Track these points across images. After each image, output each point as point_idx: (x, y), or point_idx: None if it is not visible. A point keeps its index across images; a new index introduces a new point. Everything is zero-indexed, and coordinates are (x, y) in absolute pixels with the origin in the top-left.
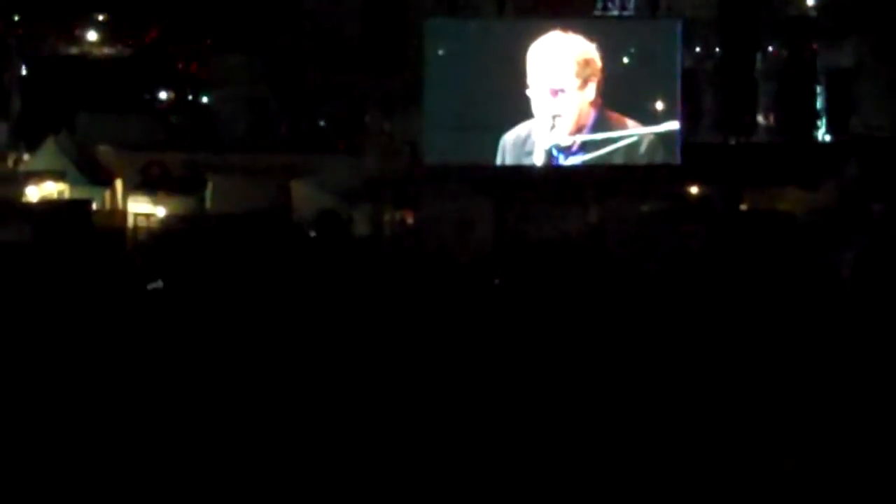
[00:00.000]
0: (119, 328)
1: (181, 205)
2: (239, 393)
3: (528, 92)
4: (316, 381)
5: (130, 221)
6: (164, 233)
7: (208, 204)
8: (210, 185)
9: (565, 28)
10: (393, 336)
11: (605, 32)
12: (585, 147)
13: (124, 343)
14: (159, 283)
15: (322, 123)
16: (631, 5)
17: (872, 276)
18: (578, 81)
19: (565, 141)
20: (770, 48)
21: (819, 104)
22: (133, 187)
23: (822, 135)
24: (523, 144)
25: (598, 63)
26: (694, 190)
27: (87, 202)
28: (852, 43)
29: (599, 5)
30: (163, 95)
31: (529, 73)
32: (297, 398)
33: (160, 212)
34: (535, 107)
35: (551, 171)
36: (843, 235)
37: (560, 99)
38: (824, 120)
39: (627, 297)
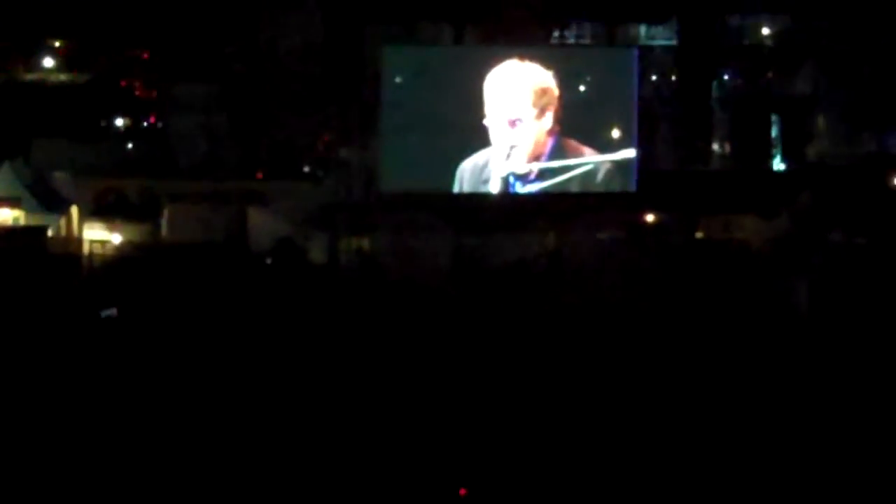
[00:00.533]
0: (72, 355)
1: (137, 231)
2: (194, 421)
3: (485, 121)
4: (272, 408)
5: (86, 248)
6: (119, 259)
7: (164, 231)
8: (166, 212)
9: (522, 56)
10: (348, 364)
11: (563, 61)
12: (542, 175)
13: (77, 370)
14: (113, 311)
15: (279, 151)
16: (588, 34)
17: (828, 303)
18: (535, 110)
19: (522, 169)
20: (726, 77)
21: (774, 132)
22: (89, 214)
23: (778, 163)
24: (481, 172)
25: (556, 91)
26: (650, 218)
27: (43, 229)
28: (807, 72)
29: (557, 34)
30: (120, 122)
31: (487, 102)
32: (254, 426)
33: (116, 238)
34: (493, 135)
35: (508, 199)
36: (798, 264)
37: (517, 128)
38: (779, 148)
39: (583, 323)
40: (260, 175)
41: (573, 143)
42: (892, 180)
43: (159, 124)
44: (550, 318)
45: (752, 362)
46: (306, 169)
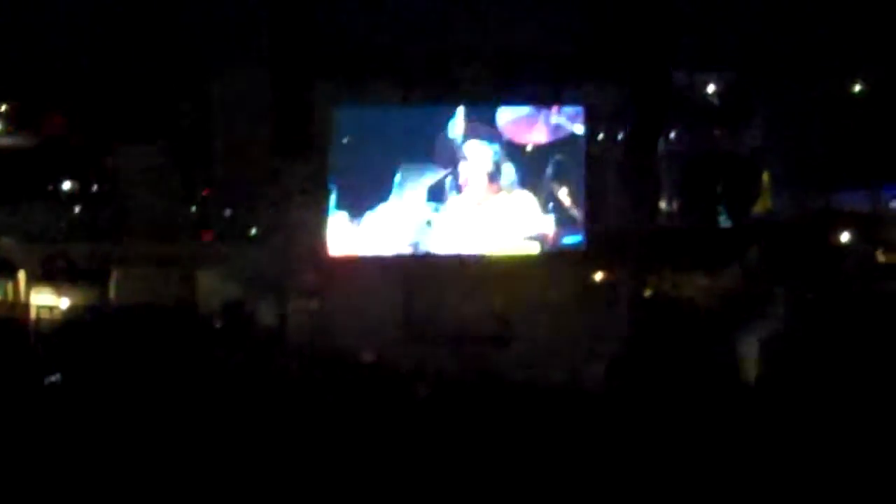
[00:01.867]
0: (15, 422)
1: (85, 296)
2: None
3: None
4: (220, 476)
5: (33, 313)
6: (66, 324)
7: (112, 294)
8: (114, 276)
9: (470, 116)
10: (298, 432)
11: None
12: None
13: (20, 438)
14: (57, 377)
15: (229, 212)
16: (535, 92)
17: (778, 360)
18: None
19: None
20: (672, 134)
21: (720, 189)
22: (36, 279)
23: (725, 220)
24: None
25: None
26: (599, 276)
27: None
28: (754, 129)
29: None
30: (66, 186)
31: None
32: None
33: (63, 303)
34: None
35: (458, 261)
36: (747, 320)
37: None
38: (727, 205)
39: (532, 386)
40: (209, 237)
41: None
42: (840, 236)
43: (107, 187)
44: (500, 378)
45: (706, 421)
46: (255, 231)
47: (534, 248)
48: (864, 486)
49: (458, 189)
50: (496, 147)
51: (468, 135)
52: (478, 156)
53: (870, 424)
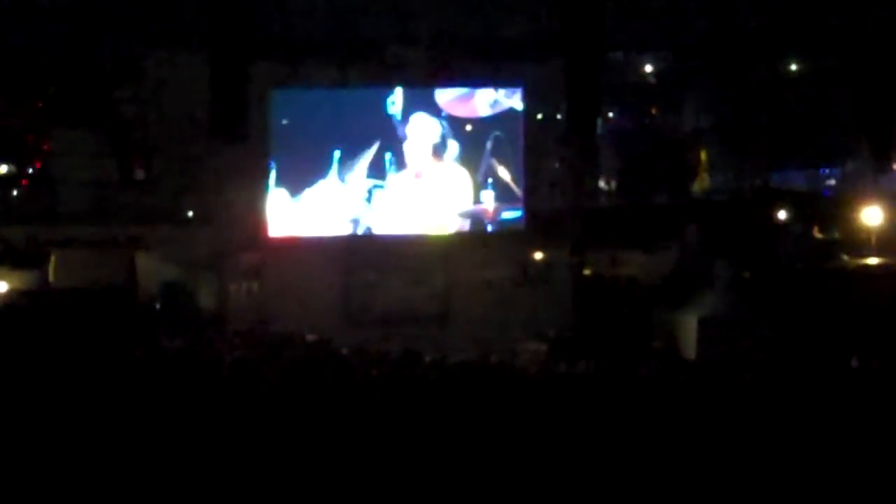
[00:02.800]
0: None
1: (23, 279)
2: (78, 476)
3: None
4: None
5: None
6: (4, 308)
7: (51, 278)
8: (53, 259)
9: (409, 94)
10: (236, 412)
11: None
12: None
13: None
14: None
15: (168, 194)
16: (473, 72)
17: (716, 337)
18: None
19: None
20: (610, 114)
21: (659, 168)
22: None
23: (663, 198)
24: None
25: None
26: (538, 255)
27: None
28: (691, 108)
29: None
30: (3, 169)
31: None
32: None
33: (2, 287)
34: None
35: (398, 240)
36: (685, 297)
37: None
38: (665, 184)
39: (472, 364)
40: (148, 220)
41: None
42: (776, 214)
43: (44, 170)
44: (441, 357)
45: (645, 397)
46: (193, 213)
47: (473, 225)
48: (801, 458)
49: (399, 166)
50: (436, 123)
51: (407, 112)
52: (417, 132)
53: (805, 398)
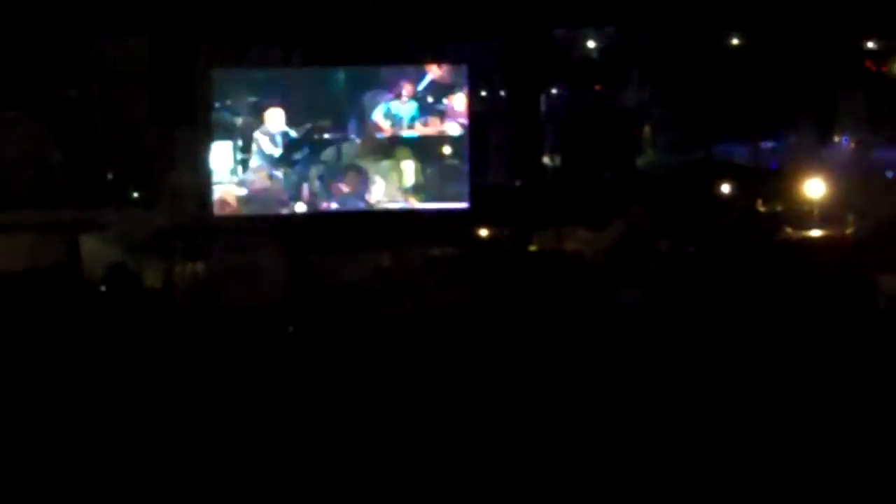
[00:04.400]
0: None
1: None
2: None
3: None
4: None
5: None
6: None
7: None
8: None
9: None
10: (183, 388)
11: (405, 79)
12: None
13: None
14: None
15: (110, 176)
16: (416, 51)
17: (659, 313)
18: None
19: None
20: (554, 90)
21: (603, 144)
22: None
23: (607, 174)
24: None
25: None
26: (484, 232)
27: None
28: (634, 84)
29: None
30: None
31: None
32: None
33: None
34: None
35: (343, 218)
36: (629, 273)
37: None
38: (609, 159)
39: (421, 340)
40: (91, 203)
41: None
42: (720, 188)
43: None
44: (387, 334)
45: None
46: (137, 195)
47: (420, 203)
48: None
49: (344, 143)
50: (381, 101)
51: (352, 90)
52: (364, 110)
53: (752, 374)
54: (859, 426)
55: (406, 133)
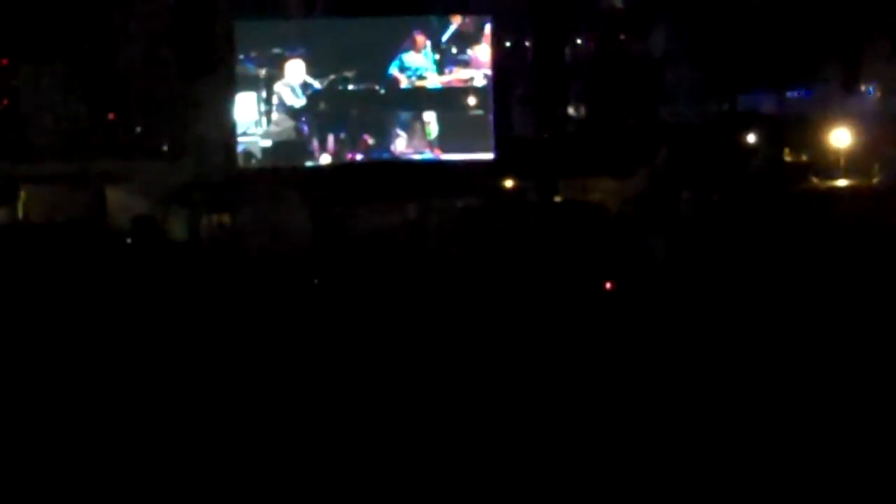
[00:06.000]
0: None
1: None
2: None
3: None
4: (137, 387)
5: None
6: None
7: (21, 213)
8: (23, 195)
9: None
10: (211, 337)
11: (419, 30)
12: None
13: None
14: None
15: (137, 129)
16: (441, 2)
17: (684, 261)
18: None
19: None
20: (579, 41)
21: (628, 94)
22: None
23: (632, 124)
24: None
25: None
26: (509, 183)
27: None
28: (659, 34)
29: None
30: None
31: None
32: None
33: None
34: None
35: (368, 168)
36: (654, 222)
37: None
38: (634, 110)
39: (448, 291)
40: (117, 155)
41: None
42: (744, 138)
43: (13, 107)
44: (415, 284)
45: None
46: (164, 147)
47: (445, 154)
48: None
49: (368, 94)
50: (396, 53)
51: (373, 42)
52: (386, 61)
53: (776, 323)
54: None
55: (430, 84)
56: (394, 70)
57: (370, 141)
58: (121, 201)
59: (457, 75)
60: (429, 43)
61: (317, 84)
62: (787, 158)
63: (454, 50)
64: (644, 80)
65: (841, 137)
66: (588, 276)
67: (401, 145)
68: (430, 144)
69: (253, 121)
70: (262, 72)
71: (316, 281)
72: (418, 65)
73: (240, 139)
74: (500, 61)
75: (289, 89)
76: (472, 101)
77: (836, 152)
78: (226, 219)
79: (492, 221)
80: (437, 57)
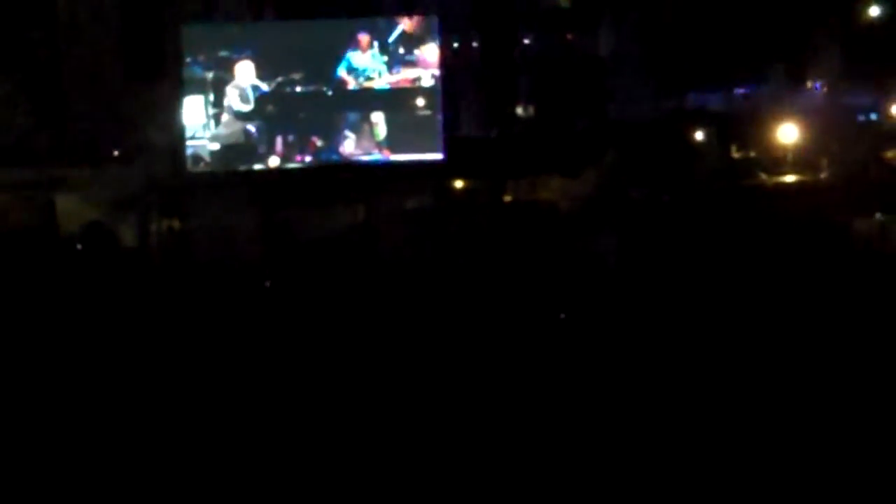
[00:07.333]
0: None
1: None
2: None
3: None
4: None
5: None
6: None
7: None
8: None
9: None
10: (160, 345)
11: (366, 31)
12: None
13: None
14: None
15: (86, 135)
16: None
17: (635, 259)
18: None
19: None
20: (526, 40)
21: (576, 93)
22: None
23: (580, 123)
24: None
25: None
26: (459, 184)
27: None
28: (606, 32)
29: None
30: None
31: None
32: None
33: None
34: None
35: (317, 171)
36: (604, 221)
37: None
38: (582, 109)
39: (399, 292)
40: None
41: None
42: (693, 136)
43: None
44: (364, 286)
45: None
46: (114, 153)
47: (394, 155)
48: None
49: (316, 96)
50: (342, 54)
51: (320, 44)
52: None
53: (727, 320)
54: (837, 367)
55: (378, 85)
56: (341, 72)
57: (318, 143)
58: (70, 208)
59: (404, 75)
60: (376, 44)
61: (264, 87)
62: (736, 155)
63: (401, 50)
64: (592, 79)
65: (788, 133)
66: (539, 277)
67: (349, 147)
68: (379, 145)
69: (201, 124)
70: (210, 75)
71: (267, 284)
72: (365, 66)
73: (188, 143)
74: (448, 61)
75: (237, 92)
76: (420, 101)
77: (784, 148)
78: (176, 223)
79: (442, 222)
80: (385, 58)
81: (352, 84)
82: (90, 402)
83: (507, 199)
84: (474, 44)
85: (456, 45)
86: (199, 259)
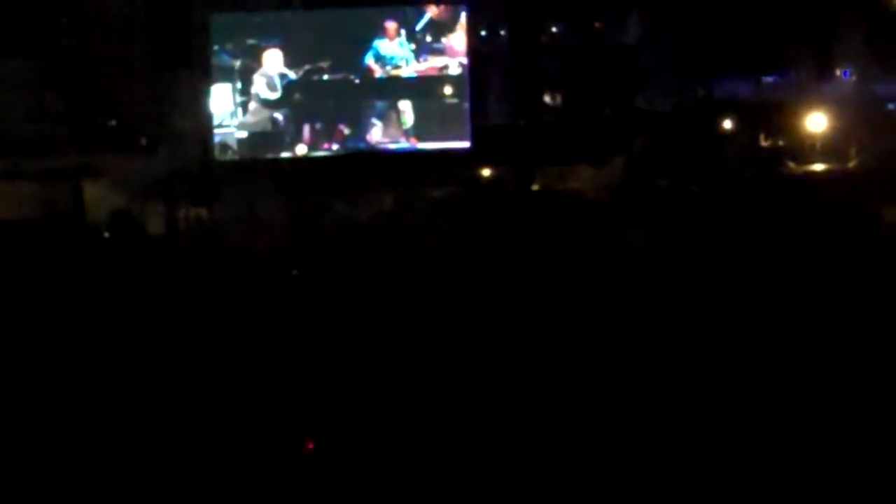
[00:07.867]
0: None
1: None
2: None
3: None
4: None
5: None
6: None
7: None
8: None
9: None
10: (189, 331)
11: (394, 19)
12: None
13: None
14: None
15: (113, 123)
16: None
17: (662, 248)
18: None
19: None
20: (554, 29)
21: (604, 82)
22: None
23: (608, 112)
24: None
25: None
26: (486, 172)
27: None
28: (635, 21)
29: None
30: None
31: None
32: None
33: None
34: None
35: (344, 159)
36: (631, 210)
37: None
38: (610, 97)
39: (426, 281)
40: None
41: None
42: (721, 125)
43: None
44: (392, 274)
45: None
46: (142, 141)
47: (421, 143)
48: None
49: (343, 84)
50: (370, 43)
51: (348, 32)
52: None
53: (755, 309)
54: (862, 355)
55: (405, 73)
56: (369, 60)
57: (346, 131)
58: (98, 196)
59: (431, 63)
60: (403, 32)
61: (292, 75)
62: (764, 144)
63: (429, 38)
64: (619, 68)
65: (817, 122)
66: (565, 265)
67: (376, 135)
68: (406, 134)
69: (228, 112)
70: (237, 63)
71: (294, 272)
72: (393, 54)
73: (215, 131)
74: (476, 49)
75: (264, 80)
76: (447, 89)
77: (813, 137)
78: (203, 211)
79: (469, 210)
80: (413, 46)
81: (379, 72)
82: (117, 389)
83: (535, 187)
84: (502, 32)
85: (483, 33)
86: (225, 247)
